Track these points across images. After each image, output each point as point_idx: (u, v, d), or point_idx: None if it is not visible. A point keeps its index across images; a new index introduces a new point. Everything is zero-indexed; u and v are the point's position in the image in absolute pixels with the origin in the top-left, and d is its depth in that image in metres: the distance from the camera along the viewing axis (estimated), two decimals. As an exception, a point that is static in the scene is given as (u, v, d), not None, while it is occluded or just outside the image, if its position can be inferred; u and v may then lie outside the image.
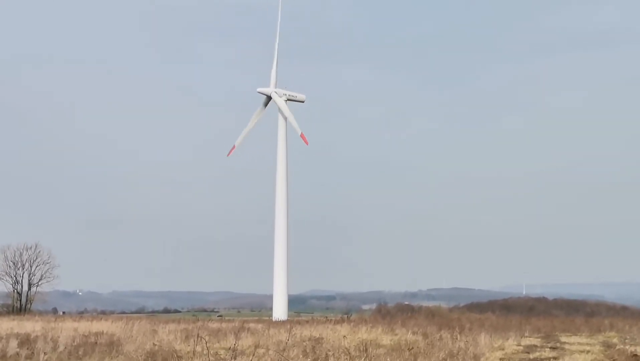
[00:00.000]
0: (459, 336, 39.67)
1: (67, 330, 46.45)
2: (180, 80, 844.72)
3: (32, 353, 32.04)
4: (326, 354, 29.28)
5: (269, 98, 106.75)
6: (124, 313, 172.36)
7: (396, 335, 42.48)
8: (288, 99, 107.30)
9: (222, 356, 29.30)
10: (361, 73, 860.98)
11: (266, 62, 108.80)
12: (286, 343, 32.94)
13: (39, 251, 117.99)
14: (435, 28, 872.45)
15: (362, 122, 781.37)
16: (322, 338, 38.45)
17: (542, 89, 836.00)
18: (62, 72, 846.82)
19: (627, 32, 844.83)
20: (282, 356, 27.54)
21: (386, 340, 39.12)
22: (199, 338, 31.25)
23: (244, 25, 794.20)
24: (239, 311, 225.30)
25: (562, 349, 34.90)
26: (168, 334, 43.32)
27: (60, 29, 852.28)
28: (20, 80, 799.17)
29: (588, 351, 32.77)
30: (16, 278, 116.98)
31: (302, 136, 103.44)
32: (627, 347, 35.00)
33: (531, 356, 31.75)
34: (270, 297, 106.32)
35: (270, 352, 29.17)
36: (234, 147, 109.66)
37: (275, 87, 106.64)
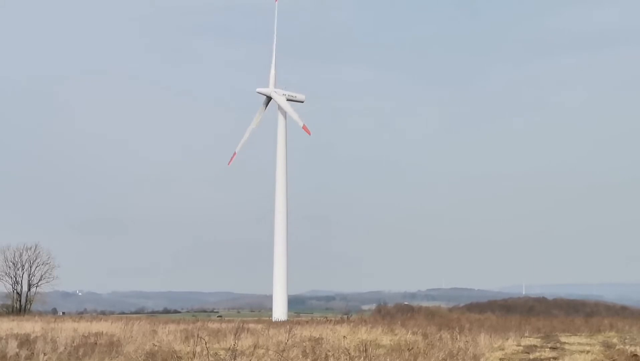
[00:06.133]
0: (458, 336, 39.64)
1: (67, 330, 46.41)
2: (179, 81, 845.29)
3: (32, 353, 32.01)
4: (326, 354, 29.27)
5: (269, 99, 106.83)
6: (123, 313, 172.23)
7: (396, 335, 42.48)
8: (287, 99, 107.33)
9: (221, 356, 29.27)
10: (361, 73, 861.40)
11: (267, 63, 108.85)
12: (286, 343, 32.93)
13: (39, 252, 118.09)
14: (435, 28, 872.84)
15: (362, 121, 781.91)
16: (322, 339, 38.44)
17: (543, 89, 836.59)
18: (61, 72, 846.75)
19: (627, 32, 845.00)
20: (282, 356, 27.53)
21: (386, 340, 39.12)
22: (199, 339, 31.26)
23: (244, 26, 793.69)
24: (238, 312, 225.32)
25: (562, 349, 34.90)
26: (168, 334, 43.30)
27: (60, 30, 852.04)
28: (20, 81, 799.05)
29: (588, 351, 32.78)
30: (16, 279, 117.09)
31: (304, 127, 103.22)
32: (626, 347, 35.00)
33: (531, 356, 31.75)
34: (270, 297, 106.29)
35: (270, 352, 29.16)
36: (234, 154, 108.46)
37: (275, 87, 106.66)
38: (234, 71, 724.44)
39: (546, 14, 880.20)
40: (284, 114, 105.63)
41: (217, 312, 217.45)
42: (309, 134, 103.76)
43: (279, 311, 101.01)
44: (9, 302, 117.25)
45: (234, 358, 26.94)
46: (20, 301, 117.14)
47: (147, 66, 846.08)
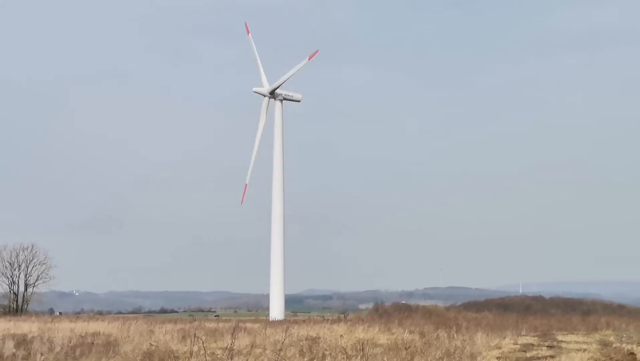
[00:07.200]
0: (455, 335, 39.68)
1: (64, 330, 46.35)
2: (179, 81, 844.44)
3: (29, 353, 31.99)
4: (323, 353, 29.27)
5: (268, 99, 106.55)
6: (120, 313, 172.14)
7: (393, 334, 42.50)
8: (284, 99, 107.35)
9: (219, 356, 29.27)
10: (360, 72, 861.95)
11: (267, 62, 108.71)
12: (283, 342, 32.92)
13: (35, 252, 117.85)
14: (435, 28, 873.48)
15: (361, 121, 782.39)
16: (319, 338, 38.44)
17: (541, 89, 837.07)
18: (61, 73, 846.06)
19: (627, 32, 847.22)
20: (279, 355, 27.51)
21: (383, 339, 39.13)
22: (196, 338, 31.24)
23: (244, 26, 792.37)
24: (235, 311, 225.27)
25: (559, 347, 34.94)
26: (165, 334, 43.27)
27: (59, 30, 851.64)
28: (20, 81, 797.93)
29: (585, 350, 32.82)
30: (12, 279, 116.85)
31: (310, 56, 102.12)
32: (623, 345, 35.06)
33: (528, 354, 31.78)
34: (267, 297, 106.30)
35: (267, 352, 29.15)
36: (245, 187, 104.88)
37: (270, 87, 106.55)
38: (233, 71, 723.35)
39: (546, 14, 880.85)
40: (282, 103, 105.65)
41: (214, 312, 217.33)
42: (317, 52, 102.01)
43: (276, 311, 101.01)
44: (6, 302, 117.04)
45: (231, 358, 26.92)
46: (17, 301, 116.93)
47: (147, 66, 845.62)
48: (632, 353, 30.59)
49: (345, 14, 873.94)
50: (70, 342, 37.16)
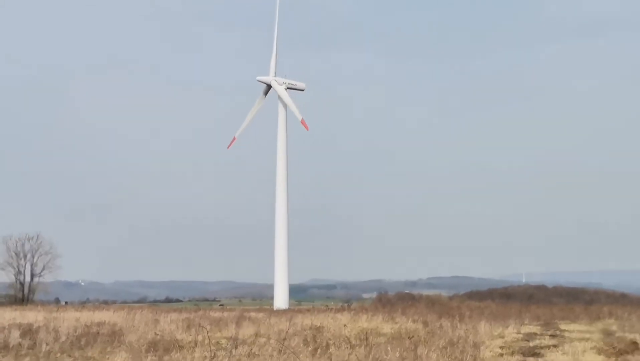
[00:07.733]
0: (459, 324, 39.84)
1: (69, 320, 46.55)
2: (181, 68, 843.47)
3: (34, 343, 32.15)
4: (327, 343, 29.41)
5: (269, 87, 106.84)
6: (125, 302, 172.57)
7: (396, 323, 42.66)
8: (288, 88, 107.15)
9: (223, 345, 29.46)
10: (363, 60, 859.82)
11: (267, 51, 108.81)
12: (287, 332, 33.08)
13: (41, 242, 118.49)
14: (437, 15, 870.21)
15: (364, 110, 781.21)
16: (323, 327, 38.60)
17: (545, 76, 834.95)
18: (65, 63, 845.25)
19: (628, 21, 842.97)
20: (283, 345, 27.67)
21: (387, 328, 39.31)
22: (201, 328, 31.44)
23: (245, 13, 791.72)
24: (240, 301, 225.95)
25: (562, 337, 35.09)
26: (170, 323, 43.45)
27: (62, 23, 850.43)
28: (21, 72, 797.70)
29: (587, 339, 32.97)
30: (18, 269, 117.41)
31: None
32: (626, 334, 35.18)
33: (531, 344, 31.92)
34: (271, 286, 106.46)
35: (271, 341, 29.31)
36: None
37: (275, 76, 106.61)
38: (235, 59, 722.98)
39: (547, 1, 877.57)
40: (284, 103, 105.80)
41: (218, 301, 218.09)
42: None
43: (280, 300, 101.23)
44: (12, 292, 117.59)
45: (236, 347, 27.09)
46: (23, 291, 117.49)
47: (145, 56, 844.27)
48: (634, 342, 30.69)
49: (347, 2, 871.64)
50: (76, 332, 37.32)
